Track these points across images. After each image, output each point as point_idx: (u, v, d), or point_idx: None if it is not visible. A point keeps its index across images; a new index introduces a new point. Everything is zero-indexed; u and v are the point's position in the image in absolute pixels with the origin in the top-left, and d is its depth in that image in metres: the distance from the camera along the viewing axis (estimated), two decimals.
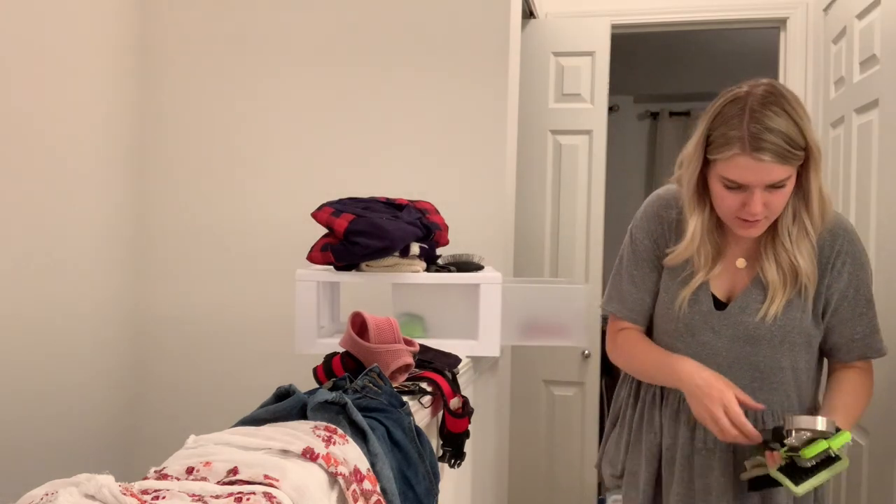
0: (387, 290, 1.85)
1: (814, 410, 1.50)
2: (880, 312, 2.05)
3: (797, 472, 1.28)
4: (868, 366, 1.48)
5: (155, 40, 2.44)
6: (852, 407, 1.42)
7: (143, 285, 2.44)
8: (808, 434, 1.28)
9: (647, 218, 1.53)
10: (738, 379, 1.44)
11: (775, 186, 1.29)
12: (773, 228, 1.39)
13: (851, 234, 1.45)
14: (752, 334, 1.43)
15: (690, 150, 1.37)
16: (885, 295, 2.03)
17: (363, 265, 1.76)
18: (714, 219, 1.42)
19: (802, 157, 1.29)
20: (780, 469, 1.29)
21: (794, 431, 1.29)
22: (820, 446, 1.25)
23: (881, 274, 2.06)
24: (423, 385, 1.39)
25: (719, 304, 1.46)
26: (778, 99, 1.27)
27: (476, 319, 1.78)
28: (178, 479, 0.83)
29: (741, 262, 1.45)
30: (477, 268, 1.85)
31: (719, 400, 1.31)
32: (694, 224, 1.40)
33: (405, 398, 1.25)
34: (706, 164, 1.36)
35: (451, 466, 1.46)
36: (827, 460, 1.28)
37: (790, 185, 1.32)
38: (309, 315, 1.78)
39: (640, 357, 1.53)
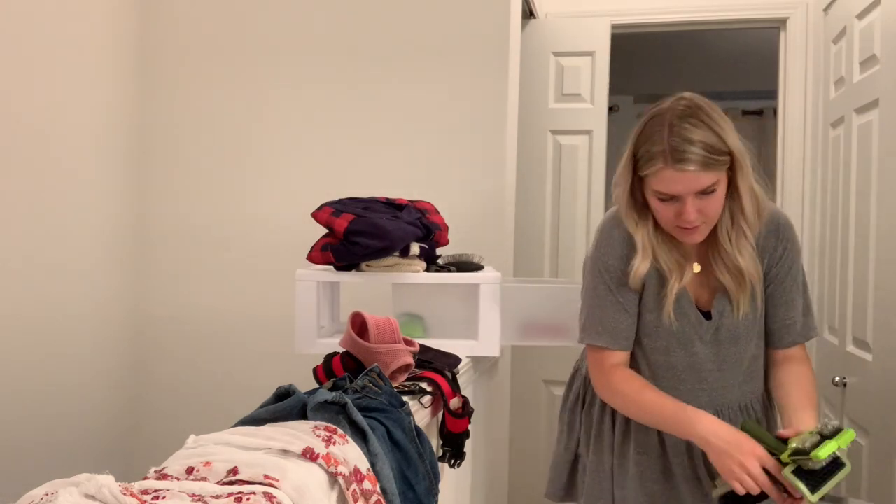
0: (387, 290, 1.85)
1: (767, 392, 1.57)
2: (881, 311, 2.05)
3: (807, 478, 1.27)
4: (804, 353, 1.53)
5: (155, 41, 2.44)
6: (813, 401, 1.46)
7: (143, 285, 2.44)
8: (814, 437, 1.27)
9: (607, 242, 1.51)
10: (731, 377, 1.51)
11: (706, 192, 1.34)
12: (715, 233, 1.44)
13: (790, 227, 1.51)
14: (734, 334, 1.49)
15: (621, 169, 1.43)
16: (885, 294, 2.03)
17: (363, 265, 1.76)
18: (661, 229, 1.46)
19: (727, 161, 1.34)
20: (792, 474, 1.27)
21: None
22: (830, 447, 1.24)
23: (881, 274, 2.06)
24: (423, 385, 1.39)
25: (702, 313, 1.50)
26: (695, 111, 1.33)
27: (476, 319, 1.78)
28: (178, 479, 0.83)
29: (696, 267, 1.49)
30: (477, 268, 1.85)
31: (751, 453, 1.31)
32: (641, 237, 1.44)
33: (405, 398, 1.25)
34: (640, 179, 1.41)
35: (451, 466, 1.46)
36: (834, 465, 1.27)
37: (721, 190, 1.36)
38: (309, 315, 1.78)
39: (648, 407, 1.47)
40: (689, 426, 1.39)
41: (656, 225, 1.45)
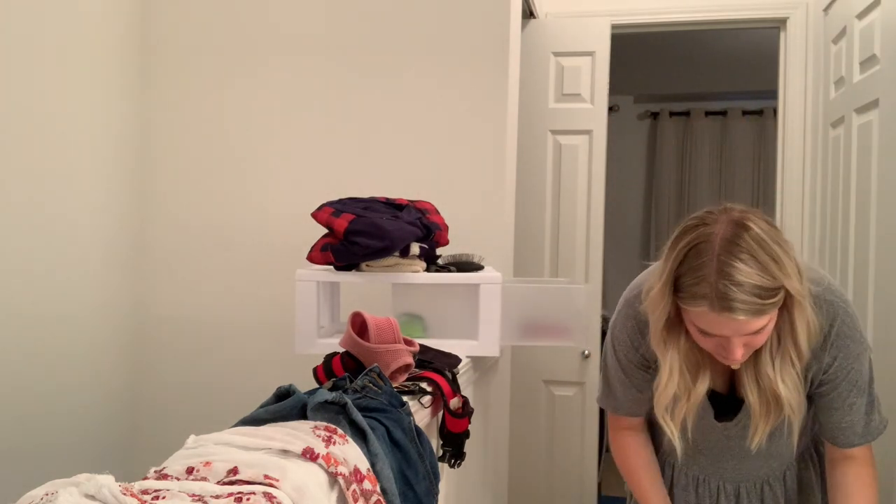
0: (387, 290, 1.85)
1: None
2: (881, 311, 2.05)
3: None
4: (866, 452, 1.36)
5: (156, 40, 2.44)
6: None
7: (144, 285, 2.45)
8: None
9: (622, 324, 1.40)
10: (759, 468, 1.44)
11: (755, 332, 1.17)
12: (758, 351, 1.27)
13: (844, 333, 1.31)
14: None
15: (657, 293, 1.23)
16: (885, 294, 2.03)
17: (363, 265, 1.76)
18: (691, 340, 1.28)
19: (780, 299, 1.15)
20: None
21: None
22: None
23: (881, 274, 2.06)
24: (423, 385, 1.39)
25: (723, 405, 1.38)
26: (747, 242, 1.13)
27: (476, 319, 1.78)
28: (178, 479, 0.83)
29: (703, 387, 1.32)
30: (477, 268, 1.85)
31: None
32: (669, 361, 1.28)
33: (405, 398, 1.25)
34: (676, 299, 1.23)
35: (451, 466, 1.46)
36: None
37: (771, 324, 1.19)
38: (309, 315, 1.78)
39: (635, 488, 1.46)
40: None
41: (686, 336, 1.27)
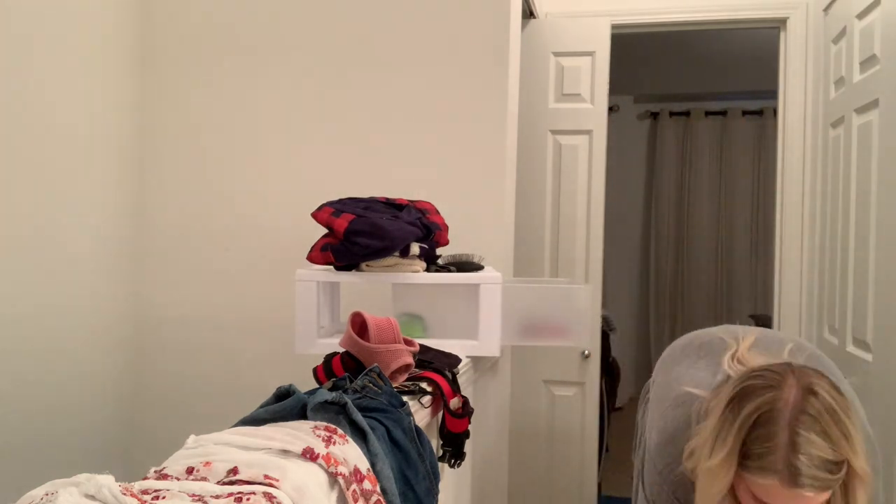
0: (387, 290, 1.85)
1: None
2: (881, 311, 2.05)
3: None
4: None
5: (155, 40, 2.44)
6: None
7: (143, 285, 2.45)
8: None
9: (664, 478, 1.31)
10: None
11: None
12: None
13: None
14: None
15: (719, 463, 1.13)
16: (885, 294, 2.03)
17: (363, 265, 1.76)
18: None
19: (844, 474, 1.09)
20: None
21: None
22: None
23: (881, 274, 2.07)
24: (423, 385, 1.39)
25: None
26: (819, 413, 1.08)
27: (476, 319, 1.78)
28: (178, 479, 0.83)
29: None
30: (477, 268, 1.85)
31: None
32: None
33: (405, 398, 1.25)
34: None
35: (451, 466, 1.46)
36: None
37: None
38: (309, 315, 1.78)
39: None
40: None
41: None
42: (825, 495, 1.08)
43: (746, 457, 1.10)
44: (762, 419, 1.09)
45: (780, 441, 1.06)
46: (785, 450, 1.06)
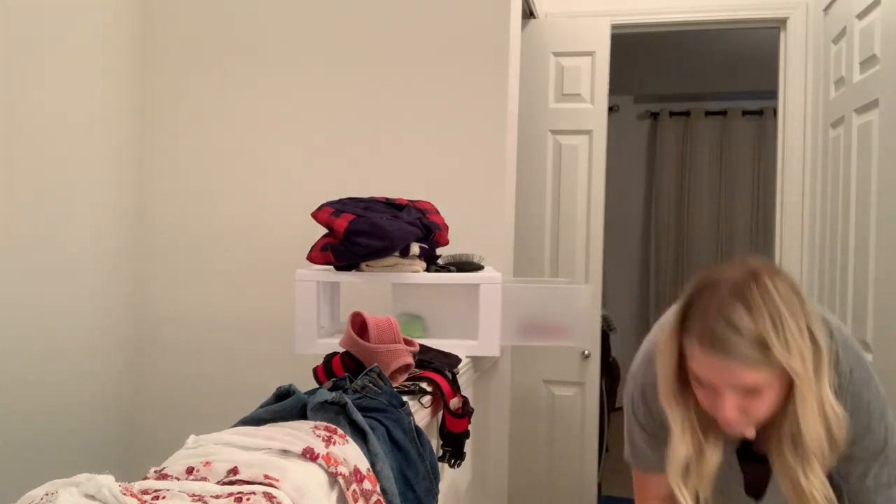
0: (387, 290, 1.85)
1: None
2: (881, 311, 2.05)
3: None
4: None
5: (155, 40, 2.44)
6: None
7: (143, 285, 2.44)
8: None
9: (639, 372, 1.32)
10: None
11: (749, 392, 1.07)
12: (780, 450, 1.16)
13: (858, 364, 1.19)
14: None
15: (666, 338, 1.16)
16: (885, 294, 2.03)
17: (363, 265, 1.76)
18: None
19: (779, 368, 1.05)
20: None
21: None
22: None
23: (881, 274, 2.07)
24: (423, 385, 1.39)
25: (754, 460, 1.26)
26: (759, 291, 1.06)
27: (476, 319, 1.78)
28: (178, 479, 0.83)
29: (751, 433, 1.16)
30: (477, 268, 1.85)
31: None
32: (680, 419, 1.18)
33: (405, 398, 1.25)
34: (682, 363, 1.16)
35: (451, 466, 1.46)
36: None
37: (772, 393, 1.09)
38: (309, 315, 1.78)
39: None
40: None
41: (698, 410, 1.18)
42: (754, 375, 1.05)
43: (684, 326, 1.12)
44: (702, 291, 1.11)
45: (709, 308, 1.07)
46: (710, 314, 1.07)
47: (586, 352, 2.92)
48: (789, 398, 1.09)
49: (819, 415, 1.09)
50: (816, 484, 1.12)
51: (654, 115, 5.51)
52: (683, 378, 1.16)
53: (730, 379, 1.06)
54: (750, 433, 1.13)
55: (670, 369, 1.16)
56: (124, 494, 0.73)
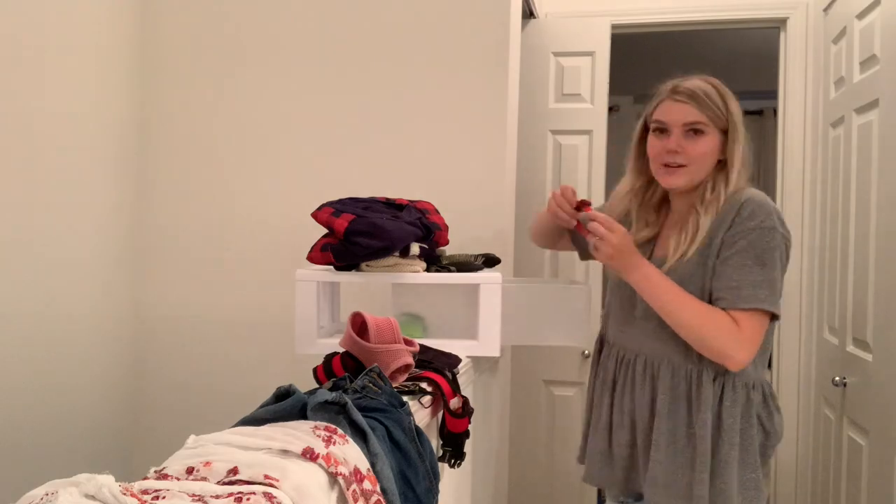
0: (387, 290, 1.85)
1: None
2: (881, 311, 2.05)
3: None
4: (747, 324, 1.46)
5: (155, 40, 2.44)
6: (694, 305, 1.50)
7: (143, 285, 2.45)
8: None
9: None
10: (647, 341, 1.62)
11: (694, 131, 1.53)
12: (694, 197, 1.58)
13: (752, 211, 1.50)
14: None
15: (637, 131, 1.67)
16: (885, 294, 2.03)
17: (363, 265, 1.76)
18: (646, 193, 1.69)
19: (720, 116, 1.53)
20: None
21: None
22: None
23: (881, 274, 2.06)
24: (423, 385, 1.39)
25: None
26: (706, 79, 1.57)
27: (476, 319, 1.78)
28: (178, 479, 0.83)
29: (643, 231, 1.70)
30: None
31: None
32: (630, 181, 1.70)
33: (405, 398, 1.25)
34: (646, 134, 1.63)
35: (451, 466, 1.46)
36: None
37: (708, 141, 1.54)
38: (309, 315, 1.78)
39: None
40: None
41: (646, 186, 1.68)
42: (699, 114, 1.52)
43: (650, 116, 1.61)
44: (665, 87, 1.60)
45: (670, 83, 1.58)
46: (673, 83, 1.58)
47: (586, 352, 2.92)
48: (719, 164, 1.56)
49: (741, 164, 1.56)
50: (703, 222, 1.53)
51: None
52: (641, 163, 1.66)
53: (682, 115, 1.53)
54: (677, 182, 1.56)
55: (635, 143, 1.68)
56: (124, 494, 0.73)
